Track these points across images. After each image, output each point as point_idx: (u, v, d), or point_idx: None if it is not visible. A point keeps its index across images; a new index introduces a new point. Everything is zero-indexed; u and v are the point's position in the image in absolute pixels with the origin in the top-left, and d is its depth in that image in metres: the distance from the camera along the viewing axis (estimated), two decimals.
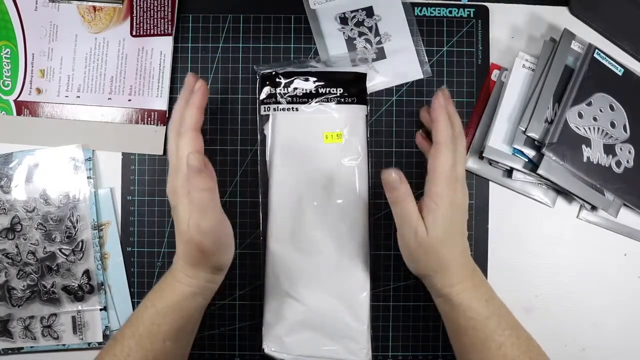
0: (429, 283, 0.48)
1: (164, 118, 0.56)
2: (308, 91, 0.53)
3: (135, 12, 0.56)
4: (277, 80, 0.53)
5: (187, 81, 0.49)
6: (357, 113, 0.53)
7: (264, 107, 0.54)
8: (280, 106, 0.53)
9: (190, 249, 0.45)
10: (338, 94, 0.53)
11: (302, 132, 0.53)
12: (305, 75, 0.53)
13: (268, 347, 0.52)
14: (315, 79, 0.53)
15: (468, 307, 0.46)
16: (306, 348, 0.52)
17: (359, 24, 0.57)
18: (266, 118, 0.54)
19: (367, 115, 0.54)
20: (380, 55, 0.56)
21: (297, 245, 0.52)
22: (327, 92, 0.53)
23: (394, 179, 0.45)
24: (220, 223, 0.46)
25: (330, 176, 0.52)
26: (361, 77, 0.54)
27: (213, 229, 0.45)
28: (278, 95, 0.53)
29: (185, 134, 0.46)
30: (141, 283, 0.55)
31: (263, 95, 0.54)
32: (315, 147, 0.53)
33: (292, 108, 0.53)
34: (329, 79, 0.53)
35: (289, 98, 0.53)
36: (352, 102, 0.53)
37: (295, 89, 0.53)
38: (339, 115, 0.53)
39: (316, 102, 0.53)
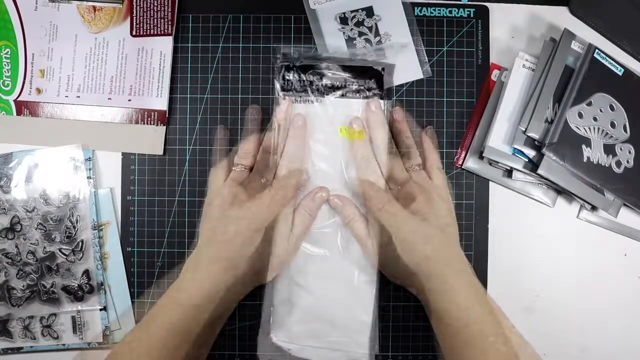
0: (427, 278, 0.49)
1: (164, 118, 0.56)
2: (330, 84, 0.52)
3: (135, 12, 0.56)
4: (297, 69, 0.52)
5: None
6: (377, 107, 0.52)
7: (282, 96, 0.53)
8: (300, 97, 0.52)
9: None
10: (361, 88, 0.52)
11: (319, 125, 0.52)
12: (328, 64, 0.52)
13: (277, 337, 0.52)
14: (337, 70, 0.52)
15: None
16: (314, 338, 0.52)
17: (359, 24, 0.57)
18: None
19: (385, 111, 0.53)
20: (380, 55, 0.56)
21: (307, 238, 0.52)
22: (349, 84, 0.52)
23: (336, 204, 0.51)
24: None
25: (346, 168, 0.52)
26: (382, 73, 0.53)
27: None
28: (296, 83, 0.52)
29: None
30: (141, 283, 0.55)
31: (280, 86, 0.53)
32: (331, 139, 0.52)
33: (315, 100, 0.52)
34: (353, 71, 0.52)
35: (310, 89, 0.52)
36: (372, 97, 0.53)
37: (315, 80, 0.52)
38: (359, 109, 0.52)
39: (337, 95, 0.52)
